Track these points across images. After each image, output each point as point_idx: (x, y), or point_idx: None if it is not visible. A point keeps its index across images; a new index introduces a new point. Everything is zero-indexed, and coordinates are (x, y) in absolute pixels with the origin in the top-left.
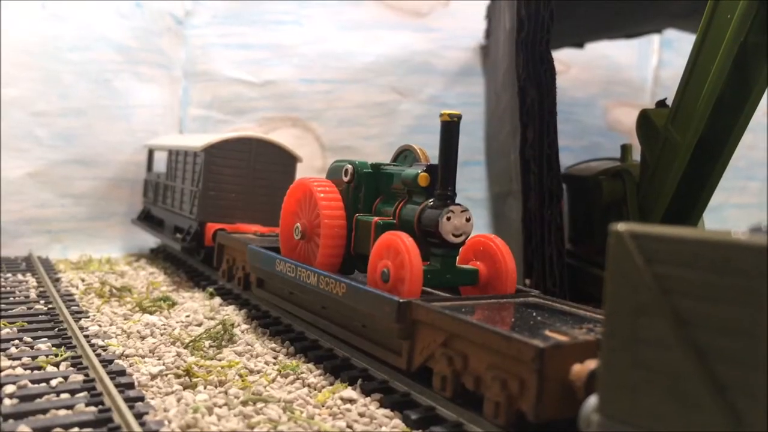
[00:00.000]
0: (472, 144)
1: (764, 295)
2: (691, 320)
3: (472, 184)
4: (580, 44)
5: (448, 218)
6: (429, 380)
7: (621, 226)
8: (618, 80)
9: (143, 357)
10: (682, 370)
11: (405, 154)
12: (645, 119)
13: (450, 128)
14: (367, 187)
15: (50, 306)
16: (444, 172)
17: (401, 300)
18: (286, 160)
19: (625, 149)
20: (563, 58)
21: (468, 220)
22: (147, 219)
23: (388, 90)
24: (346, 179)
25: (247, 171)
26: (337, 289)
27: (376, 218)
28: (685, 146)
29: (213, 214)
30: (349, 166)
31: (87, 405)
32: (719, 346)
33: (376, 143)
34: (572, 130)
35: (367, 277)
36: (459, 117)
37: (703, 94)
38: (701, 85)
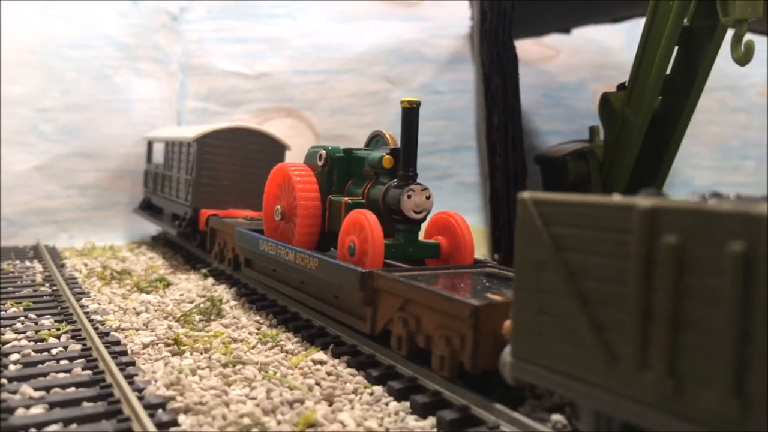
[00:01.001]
0: (463, 130)
1: (637, 248)
2: (577, 271)
3: (464, 169)
4: (566, 30)
5: (409, 196)
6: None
7: (525, 194)
8: (607, 64)
9: (137, 330)
10: (572, 315)
11: (376, 140)
12: (605, 102)
13: (410, 114)
14: (339, 171)
15: (54, 288)
16: (405, 155)
17: (364, 270)
18: (276, 148)
19: (593, 131)
20: (552, 43)
21: (428, 198)
22: (148, 208)
23: (380, 79)
24: (320, 164)
25: (238, 159)
26: (310, 264)
27: (346, 198)
28: (638, 126)
29: (206, 201)
30: (323, 152)
31: (83, 369)
32: (597, 292)
33: (369, 131)
34: (562, 114)
35: (338, 252)
36: (418, 104)
37: (651, 76)
38: (650, 68)
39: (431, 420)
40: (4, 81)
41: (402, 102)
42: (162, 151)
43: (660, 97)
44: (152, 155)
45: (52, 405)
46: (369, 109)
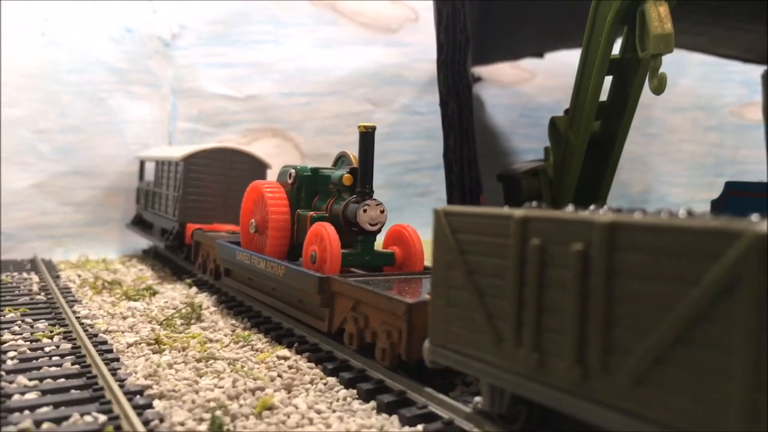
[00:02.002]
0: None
1: (513, 249)
2: (475, 270)
3: (442, 186)
4: (540, 54)
5: (365, 210)
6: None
7: (438, 208)
8: None
9: (123, 332)
10: (471, 305)
11: (342, 159)
12: (552, 125)
13: (366, 138)
14: (307, 188)
15: (49, 296)
16: (363, 174)
17: (321, 276)
18: (258, 167)
19: (547, 151)
20: (528, 66)
21: (382, 212)
22: (139, 223)
23: (362, 101)
24: (290, 181)
25: (222, 177)
26: (279, 271)
27: (311, 213)
28: (579, 146)
29: (192, 216)
30: (293, 171)
31: (72, 364)
32: (488, 286)
33: (352, 150)
34: (539, 133)
35: (303, 261)
36: (373, 128)
37: (587, 102)
38: (585, 95)
39: (372, 403)
40: (4, 104)
41: (359, 127)
42: (153, 169)
43: (599, 121)
44: (144, 173)
45: (44, 392)
46: (352, 129)
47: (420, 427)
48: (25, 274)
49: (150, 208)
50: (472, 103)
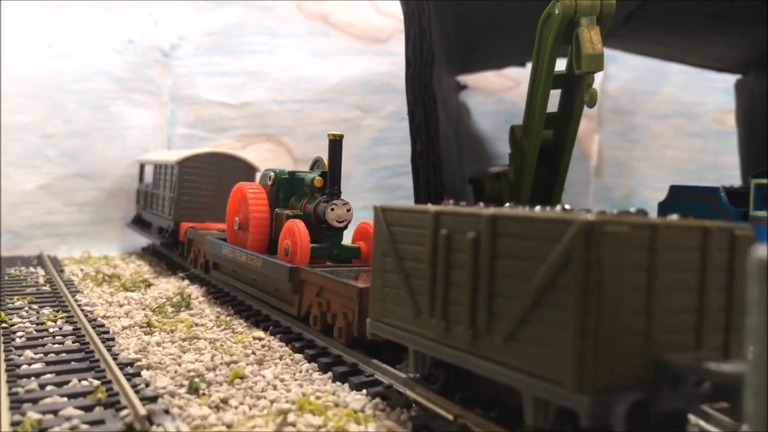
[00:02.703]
0: None
1: (429, 238)
2: (403, 256)
3: None
4: (522, 64)
5: (332, 209)
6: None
7: (377, 205)
8: None
9: (119, 317)
10: (400, 285)
11: (318, 164)
12: (512, 133)
13: (335, 145)
14: (284, 189)
15: (54, 288)
16: (332, 177)
17: (292, 266)
18: (247, 170)
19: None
20: (512, 75)
21: (348, 210)
22: (139, 223)
23: (352, 108)
24: (270, 183)
25: (214, 179)
26: (257, 263)
27: (287, 211)
28: (531, 153)
29: (186, 215)
30: (272, 174)
31: (73, 342)
32: (412, 269)
33: (343, 155)
34: None
35: (278, 254)
36: (341, 137)
37: (537, 113)
38: (535, 107)
39: (329, 374)
40: (13, 111)
41: (329, 135)
42: (152, 172)
43: (551, 130)
44: (144, 176)
45: (48, 363)
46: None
47: (364, 391)
48: (32, 269)
49: (148, 209)
50: (437, 113)
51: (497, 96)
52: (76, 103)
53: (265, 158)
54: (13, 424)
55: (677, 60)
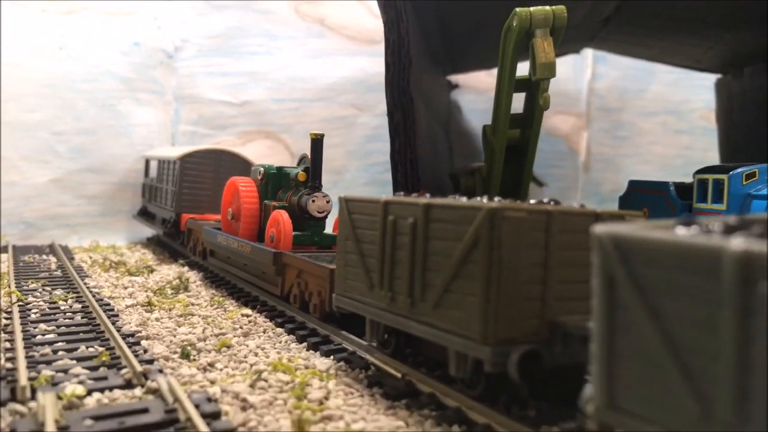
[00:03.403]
0: None
1: (380, 223)
2: (361, 239)
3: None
4: None
5: (314, 201)
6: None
7: (341, 196)
8: (555, 92)
9: (123, 297)
10: (357, 264)
11: (304, 160)
12: (484, 132)
13: (316, 143)
14: (272, 183)
15: (65, 273)
16: (313, 172)
17: (275, 251)
18: (243, 165)
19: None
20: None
21: (328, 202)
22: (144, 214)
23: (347, 106)
24: (259, 178)
25: (213, 174)
26: (246, 249)
27: (274, 203)
28: (499, 151)
29: (187, 207)
30: (262, 169)
31: (82, 318)
32: (367, 249)
33: (338, 150)
34: None
35: (265, 241)
36: (322, 135)
37: (502, 114)
38: (500, 109)
39: (305, 344)
40: (27, 109)
41: (311, 134)
42: (156, 167)
43: (518, 129)
44: (149, 171)
45: (60, 334)
46: (338, 131)
47: (332, 357)
48: (44, 256)
49: (153, 201)
50: (414, 113)
51: (487, 95)
52: (85, 102)
53: (265, 154)
54: (30, 379)
55: (659, 60)
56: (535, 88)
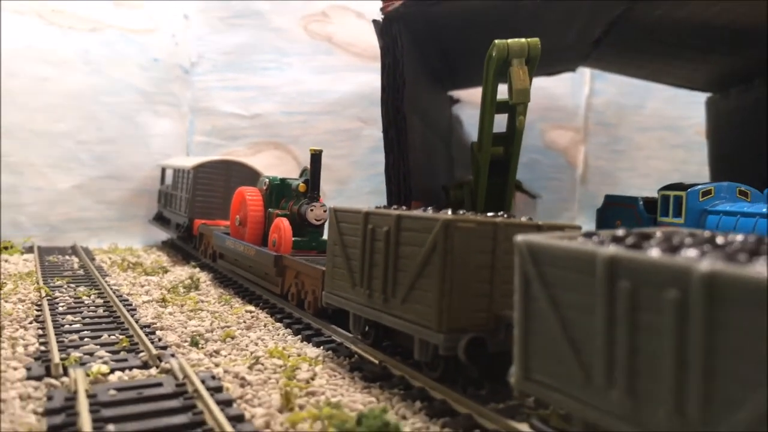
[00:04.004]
0: None
1: (361, 231)
2: (346, 244)
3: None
4: (503, 80)
5: (312, 210)
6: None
7: (331, 207)
8: (553, 107)
9: (140, 294)
10: (343, 265)
11: (305, 172)
12: (471, 148)
13: (315, 158)
14: (276, 193)
15: (87, 272)
16: (312, 183)
17: (276, 254)
18: (252, 175)
19: None
20: (500, 89)
21: (324, 211)
22: (160, 219)
23: (353, 119)
24: (264, 188)
25: (223, 183)
26: (251, 252)
27: (277, 211)
28: (483, 166)
29: (199, 213)
30: (267, 180)
31: (104, 311)
32: (351, 253)
33: (344, 161)
34: None
35: (268, 245)
36: (320, 152)
37: (485, 133)
38: (484, 128)
39: (299, 336)
40: (53, 120)
41: (310, 150)
42: (171, 175)
43: (502, 147)
44: (165, 179)
45: (85, 324)
46: (344, 143)
47: (321, 347)
48: (67, 257)
49: (168, 207)
50: (407, 131)
51: None
52: (107, 113)
53: (273, 164)
54: (61, 359)
55: (652, 79)
56: (513, 111)
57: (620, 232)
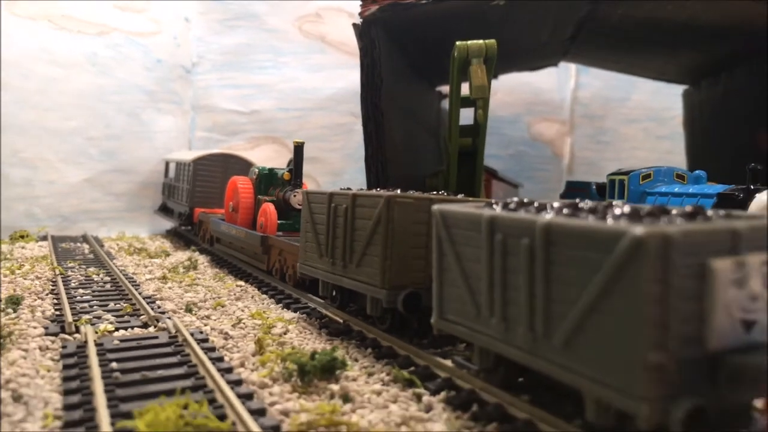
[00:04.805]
0: None
1: (326, 209)
2: (315, 222)
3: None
4: (495, 75)
5: (295, 195)
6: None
7: (304, 191)
8: (540, 101)
9: (144, 273)
10: (312, 239)
11: (291, 162)
12: (443, 140)
13: (298, 149)
14: (265, 181)
15: (96, 256)
16: (295, 172)
17: (263, 235)
18: (247, 166)
19: None
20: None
21: None
22: (164, 210)
23: (346, 114)
24: (254, 177)
25: (221, 174)
26: (242, 234)
27: (265, 197)
28: (452, 156)
29: (199, 202)
30: (256, 169)
31: (111, 286)
32: (319, 227)
33: (337, 154)
34: (499, 141)
35: (257, 228)
36: (302, 143)
37: (453, 126)
38: (451, 121)
39: (281, 304)
40: (64, 118)
41: (294, 142)
42: (174, 168)
43: (470, 138)
44: (168, 172)
45: (94, 295)
46: (338, 137)
47: (298, 311)
48: (78, 244)
49: (171, 198)
50: (383, 126)
51: None
52: (114, 111)
53: (271, 157)
54: (74, 320)
55: (630, 72)
56: (477, 105)
57: (511, 201)
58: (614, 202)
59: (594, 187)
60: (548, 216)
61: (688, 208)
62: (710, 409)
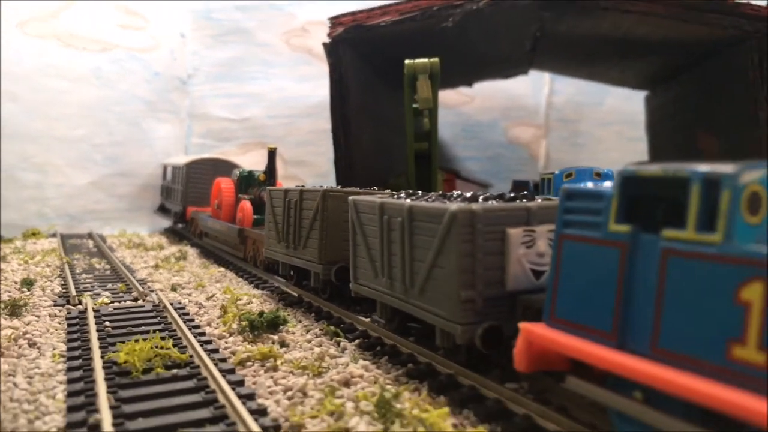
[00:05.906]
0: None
1: (282, 202)
2: (275, 213)
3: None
4: (469, 84)
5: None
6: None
7: (267, 188)
8: (515, 106)
9: (139, 263)
10: (274, 228)
11: (267, 166)
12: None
13: (271, 154)
14: (245, 182)
15: (100, 250)
16: (270, 174)
17: (240, 228)
18: (234, 169)
19: None
20: (467, 92)
21: None
22: (162, 210)
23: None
24: (235, 179)
25: (212, 176)
26: (223, 228)
27: (244, 196)
28: (410, 159)
29: (191, 202)
30: (237, 172)
31: (110, 273)
32: (279, 217)
33: (323, 158)
34: (477, 144)
35: (236, 222)
36: (275, 148)
37: (408, 132)
38: (407, 129)
39: (257, 285)
40: (71, 126)
41: (268, 147)
42: (171, 172)
43: (426, 142)
44: (166, 175)
45: (96, 279)
46: (323, 142)
47: (264, 290)
48: (84, 240)
49: (168, 199)
50: (352, 134)
51: (455, 109)
52: (117, 120)
53: (261, 162)
54: (77, 295)
55: (591, 79)
56: (431, 113)
57: (414, 193)
58: (478, 194)
59: (531, 184)
60: (410, 201)
61: (506, 195)
62: (508, 331)
